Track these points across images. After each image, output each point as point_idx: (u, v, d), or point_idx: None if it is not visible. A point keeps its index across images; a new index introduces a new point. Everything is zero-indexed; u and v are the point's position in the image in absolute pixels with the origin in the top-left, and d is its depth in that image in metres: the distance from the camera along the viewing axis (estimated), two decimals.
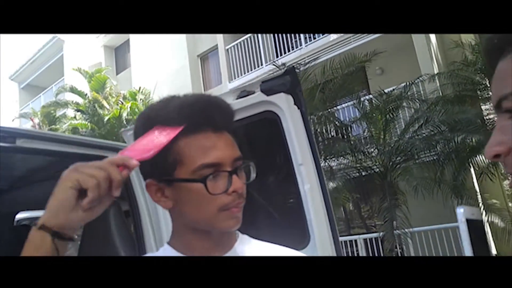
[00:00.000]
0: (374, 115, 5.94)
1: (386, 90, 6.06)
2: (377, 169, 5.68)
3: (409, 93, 5.96)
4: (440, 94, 6.23)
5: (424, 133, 5.61)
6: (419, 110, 5.92)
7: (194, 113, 0.69)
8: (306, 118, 1.58)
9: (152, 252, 1.76)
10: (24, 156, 2.19)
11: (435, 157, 5.53)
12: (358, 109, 6.20)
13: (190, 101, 0.71)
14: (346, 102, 6.97)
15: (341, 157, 5.91)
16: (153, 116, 0.71)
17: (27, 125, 13.87)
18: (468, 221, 2.88)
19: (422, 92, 6.42)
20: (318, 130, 6.22)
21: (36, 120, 13.40)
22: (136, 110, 10.22)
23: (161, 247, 0.81)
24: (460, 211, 3.01)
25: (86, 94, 11.08)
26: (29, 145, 1.66)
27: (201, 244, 0.75)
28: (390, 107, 5.80)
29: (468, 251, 3.22)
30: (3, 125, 1.64)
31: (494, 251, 5.35)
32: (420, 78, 6.17)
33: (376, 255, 6.48)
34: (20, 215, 3.33)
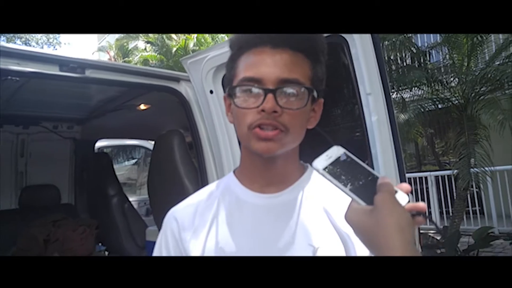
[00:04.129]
0: (458, 38, 5.22)
1: None
2: (456, 101, 5.14)
3: None
4: None
5: None
6: None
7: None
8: (378, 43, 1.42)
9: (213, 180, 1.83)
10: (97, 87, 2.31)
11: None
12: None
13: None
14: None
15: (416, 88, 5.42)
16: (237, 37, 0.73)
17: (104, 58, 14.75)
18: None
19: None
20: (392, 57, 5.69)
21: (112, 53, 14.15)
22: (202, 40, 10.22)
23: (226, 175, 0.81)
24: None
25: None
26: (97, 75, 1.72)
27: (260, 174, 0.73)
28: None
29: None
30: (73, 56, 1.69)
31: None
32: None
33: (448, 193, 6.19)
34: (100, 143, 3.66)
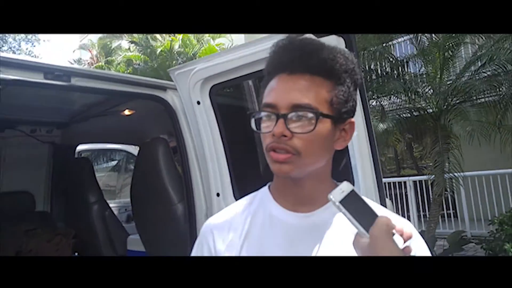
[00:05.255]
0: (432, 52, 5.41)
1: None
2: (431, 111, 5.33)
3: None
4: None
5: (487, 72, 5.09)
6: (483, 46, 5.31)
7: (276, 57, 0.74)
8: (358, 63, 1.47)
9: (198, 189, 1.85)
10: (81, 94, 2.29)
11: (496, 99, 5.05)
12: (415, 45, 5.68)
13: (279, 44, 0.74)
14: (403, 37, 6.39)
15: (393, 96, 5.59)
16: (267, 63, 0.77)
17: (86, 56, 14.40)
18: None
19: None
20: (372, 66, 5.84)
21: (94, 52, 13.85)
22: (188, 42, 10.07)
23: (261, 189, 0.83)
24: None
25: None
26: (83, 84, 1.73)
27: (291, 192, 0.76)
28: (450, 43, 5.23)
29: None
30: (59, 65, 1.69)
31: None
32: None
33: (425, 198, 6.40)
34: (80, 147, 3.59)
